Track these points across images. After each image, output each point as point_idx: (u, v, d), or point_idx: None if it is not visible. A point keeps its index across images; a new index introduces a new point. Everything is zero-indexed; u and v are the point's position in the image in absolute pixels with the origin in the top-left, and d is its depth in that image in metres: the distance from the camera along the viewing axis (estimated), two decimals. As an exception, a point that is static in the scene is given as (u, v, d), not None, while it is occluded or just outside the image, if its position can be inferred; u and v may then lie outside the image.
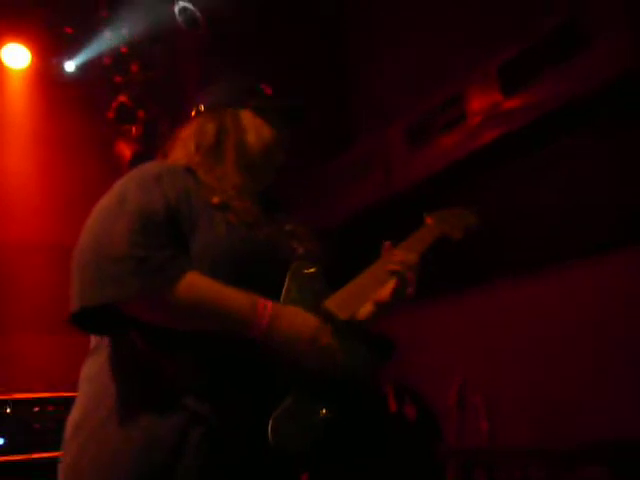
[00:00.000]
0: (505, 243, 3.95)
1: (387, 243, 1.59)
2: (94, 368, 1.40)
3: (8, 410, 3.26)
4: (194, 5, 4.37)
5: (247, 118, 1.64)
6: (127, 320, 1.31)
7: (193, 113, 1.67)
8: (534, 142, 3.67)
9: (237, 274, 1.34)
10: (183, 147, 1.60)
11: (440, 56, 4.49)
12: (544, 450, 3.03)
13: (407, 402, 4.44)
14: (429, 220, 1.74)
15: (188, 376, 1.30)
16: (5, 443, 3.20)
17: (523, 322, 3.97)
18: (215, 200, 1.44)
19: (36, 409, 3.34)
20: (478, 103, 3.90)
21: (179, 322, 1.32)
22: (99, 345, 1.42)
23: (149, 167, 1.50)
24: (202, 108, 1.66)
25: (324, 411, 1.32)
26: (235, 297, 1.31)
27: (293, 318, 1.35)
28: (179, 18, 4.36)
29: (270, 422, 1.24)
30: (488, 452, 3.43)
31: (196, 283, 1.30)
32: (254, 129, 1.63)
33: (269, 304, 1.33)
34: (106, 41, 4.45)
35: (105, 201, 1.40)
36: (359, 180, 4.89)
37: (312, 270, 1.49)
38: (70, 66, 4.62)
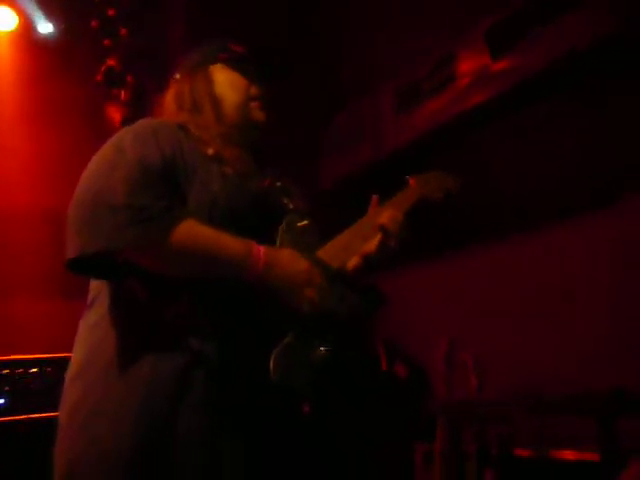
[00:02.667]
0: (494, 203, 4.00)
1: (375, 197, 1.66)
2: (94, 318, 1.44)
3: (6, 371, 3.31)
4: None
5: (217, 72, 1.69)
6: (125, 267, 1.36)
7: (171, 80, 1.72)
8: (523, 103, 3.70)
9: (233, 224, 1.39)
10: (166, 111, 1.66)
11: (428, 20, 4.48)
12: (529, 400, 3.12)
13: (398, 361, 4.53)
14: (412, 182, 1.81)
15: (188, 318, 1.34)
16: (4, 403, 3.25)
17: (509, 280, 4.05)
18: (210, 152, 1.49)
19: (34, 370, 3.39)
20: (467, 65, 3.91)
21: (177, 268, 1.37)
22: (97, 296, 1.46)
23: (145, 122, 1.55)
24: (178, 76, 1.70)
25: (321, 348, 1.39)
26: (230, 242, 1.36)
27: (287, 261, 1.40)
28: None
29: (271, 359, 1.30)
30: (476, 404, 3.52)
31: (192, 230, 1.35)
32: (225, 81, 1.68)
33: (263, 248, 1.38)
34: (94, 3, 4.41)
35: (102, 152, 1.44)
36: (349, 145, 4.90)
37: (304, 223, 1.55)
38: (47, 27, 4.56)
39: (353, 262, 1.57)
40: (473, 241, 4.32)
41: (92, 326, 1.43)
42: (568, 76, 3.44)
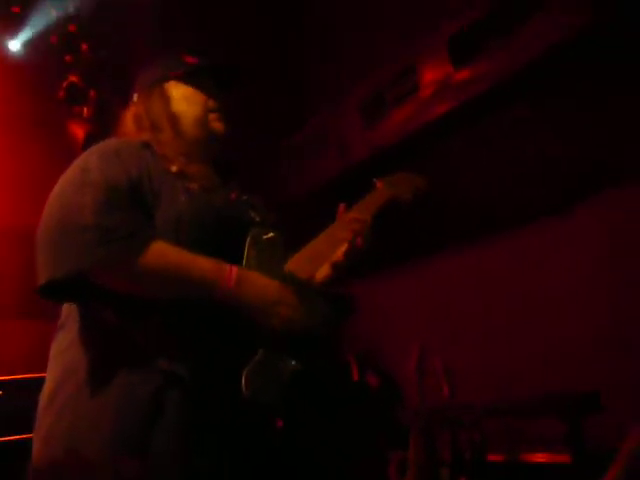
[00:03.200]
0: (458, 211, 4.04)
1: (341, 205, 1.67)
2: (65, 342, 1.43)
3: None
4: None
5: (173, 88, 1.69)
6: (95, 290, 1.34)
7: (129, 103, 1.71)
8: (486, 111, 3.75)
9: (199, 239, 1.39)
10: (126, 133, 1.66)
11: (394, 28, 4.53)
12: (498, 404, 3.15)
13: (369, 371, 4.53)
14: (379, 184, 1.82)
15: (159, 340, 1.33)
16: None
17: (479, 285, 4.09)
18: (174, 169, 1.49)
19: (13, 391, 3.33)
20: (430, 75, 3.95)
21: (146, 290, 1.36)
22: (68, 318, 1.45)
23: (108, 142, 1.54)
24: (135, 97, 1.69)
25: (292, 363, 1.39)
26: (200, 263, 1.36)
27: (257, 282, 1.40)
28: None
29: (243, 376, 1.30)
30: (448, 410, 3.54)
31: (161, 251, 1.34)
32: (181, 97, 1.68)
33: (234, 268, 1.38)
34: (53, 19, 4.37)
35: (68, 174, 1.43)
36: (314, 156, 4.91)
37: (271, 235, 1.55)
38: (15, 45, 4.52)
39: (323, 272, 1.57)
40: (441, 248, 4.36)
41: (63, 350, 1.42)
42: (530, 83, 3.49)
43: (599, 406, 2.65)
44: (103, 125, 4.53)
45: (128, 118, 1.67)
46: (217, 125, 1.68)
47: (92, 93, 4.56)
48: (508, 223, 3.94)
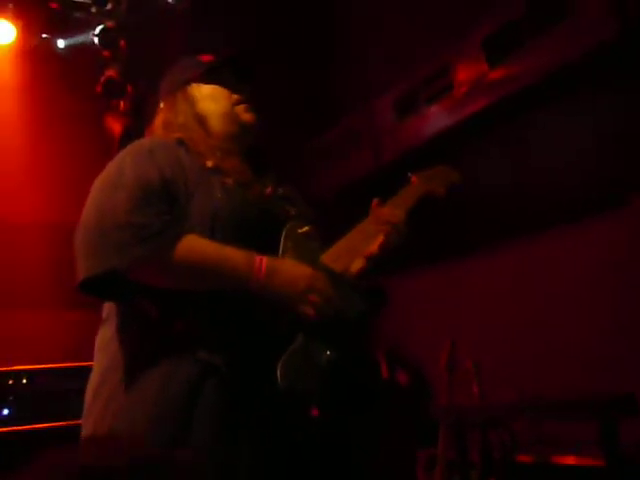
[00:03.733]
0: (493, 210, 4.02)
1: (375, 200, 1.68)
2: (106, 337, 1.47)
3: (11, 381, 3.33)
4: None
5: (196, 89, 1.72)
6: (134, 286, 1.38)
7: (156, 110, 1.74)
8: (520, 111, 3.73)
9: (235, 234, 1.42)
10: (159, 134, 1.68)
11: (426, 27, 4.52)
12: (531, 404, 3.13)
13: (399, 369, 4.54)
14: (414, 179, 1.82)
15: (197, 331, 1.37)
16: (10, 413, 3.27)
17: (511, 285, 4.07)
18: (209, 164, 1.52)
19: (39, 380, 3.41)
20: (464, 73, 3.94)
21: (181, 283, 1.39)
22: (110, 314, 1.49)
23: (143, 142, 1.59)
24: (162, 105, 1.72)
25: (328, 353, 1.41)
26: (232, 254, 1.39)
27: (288, 269, 1.44)
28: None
29: (278, 366, 1.33)
30: (478, 409, 3.53)
31: (194, 244, 1.38)
32: (205, 96, 1.71)
33: (264, 258, 1.41)
34: (92, 16, 4.44)
35: (103, 176, 1.47)
36: (348, 153, 4.92)
37: (306, 229, 1.57)
38: (61, 43, 4.61)
39: (357, 264, 1.58)
40: (474, 247, 4.34)
41: (106, 344, 1.47)
42: (565, 83, 3.47)
43: (635, 408, 2.62)
44: (140, 119, 4.60)
45: (157, 125, 1.71)
46: (246, 116, 1.70)
47: (129, 88, 4.63)
48: (543, 223, 3.91)
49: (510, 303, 4.04)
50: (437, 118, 4.11)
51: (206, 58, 1.77)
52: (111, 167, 1.49)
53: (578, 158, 3.62)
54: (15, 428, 3.22)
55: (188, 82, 1.72)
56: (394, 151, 4.48)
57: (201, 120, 1.66)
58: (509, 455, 3.28)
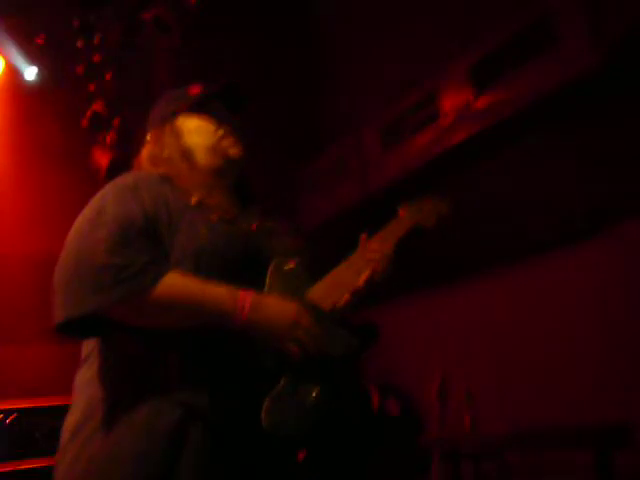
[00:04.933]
0: (480, 239, 4.03)
1: (363, 235, 1.66)
2: (87, 376, 1.43)
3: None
4: (165, 12, 4.39)
5: (182, 123, 1.66)
6: (113, 324, 1.35)
7: (143, 143, 1.72)
8: (505, 140, 3.75)
9: (220, 272, 1.39)
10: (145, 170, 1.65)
11: (411, 57, 4.56)
12: (525, 434, 3.10)
13: (390, 398, 4.50)
14: (402, 212, 1.80)
15: (180, 373, 1.34)
16: (-1, 451, 3.21)
17: (501, 313, 4.06)
18: (194, 200, 1.49)
19: (27, 418, 3.36)
20: (450, 102, 3.98)
21: (163, 322, 1.36)
22: (90, 354, 1.46)
23: (126, 178, 1.54)
24: (148, 137, 1.70)
25: (314, 393, 1.38)
26: (215, 290, 1.36)
27: (273, 304, 1.40)
28: (152, 24, 4.37)
29: (263, 406, 1.29)
30: (471, 439, 3.50)
31: (175, 282, 1.35)
32: (191, 130, 1.66)
33: (249, 294, 1.38)
34: (78, 49, 4.46)
35: (84, 214, 1.44)
36: (335, 182, 4.94)
37: (292, 266, 1.55)
38: (41, 75, 4.62)
39: (343, 299, 1.56)
40: (462, 276, 4.34)
41: (87, 383, 1.43)
42: (550, 112, 3.50)
43: (629, 439, 2.59)
44: (126, 152, 4.60)
45: (144, 158, 1.67)
46: (233, 150, 1.66)
47: (115, 121, 4.64)
48: (530, 251, 3.92)
49: (502, 331, 4.03)
50: (423, 147, 4.13)
51: (195, 90, 1.75)
52: (93, 204, 1.45)
53: (563, 185, 3.64)
54: (4, 466, 3.16)
55: (175, 114, 1.68)
56: (380, 180, 4.50)
57: (186, 154, 1.61)
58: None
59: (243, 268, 1.45)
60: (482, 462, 3.41)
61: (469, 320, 4.24)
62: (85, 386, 1.43)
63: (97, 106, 4.52)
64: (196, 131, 1.66)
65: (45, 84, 4.64)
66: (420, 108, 4.21)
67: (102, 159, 4.55)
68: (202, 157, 1.63)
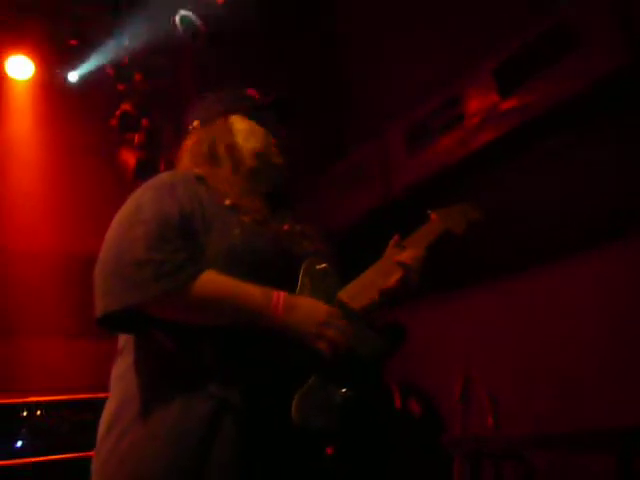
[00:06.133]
0: (506, 241, 4.02)
1: (396, 236, 1.68)
2: (122, 368, 1.48)
3: (24, 413, 3.34)
4: (194, 14, 4.44)
5: (236, 123, 1.72)
6: (150, 319, 1.39)
7: (190, 128, 1.76)
8: (532, 141, 3.74)
9: (252, 271, 1.42)
10: (185, 159, 1.70)
11: (436, 59, 4.57)
12: (548, 437, 3.09)
13: (412, 399, 4.51)
14: (433, 216, 1.82)
15: (212, 367, 1.37)
16: (23, 445, 3.27)
17: (525, 316, 4.05)
18: (227, 202, 1.53)
19: (51, 412, 3.42)
20: (476, 104, 3.97)
21: (199, 318, 1.40)
22: (126, 346, 1.50)
23: (163, 177, 1.59)
24: (196, 124, 1.74)
25: (344, 390, 1.41)
26: (250, 290, 1.39)
27: (306, 305, 1.43)
28: (180, 27, 4.43)
29: (294, 402, 1.32)
30: (493, 440, 3.50)
31: (212, 280, 1.38)
32: (244, 132, 1.71)
33: (282, 294, 1.41)
34: (109, 51, 4.53)
35: (123, 212, 1.48)
36: (359, 185, 4.95)
37: (324, 266, 1.58)
38: (73, 76, 4.70)
39: (372, 299, 1.57)
40: (486, 278, 4.34)
41: (122, 375, 1.47)
42: (577, 113, 3.48)
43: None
44: (154, 152, 4.66)
45: (188, 146, 1.72)
46: (277, 160, 1.72)
47: (144, 121, 4.70)
48: (554, 253, 3.90)
49: (525, 333, 4.02)
50: (448, 149, 4.13)
51: (253, 94, 1.80)
52: (131, 202, 1.50)
53: (589, 187, 3.62)
54: (28, 460, 3.21)
55: (231, 112, 1.73)
56: (405, 183, 4.50)
57: (234, 152, 1.67)
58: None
59: (274, 268, 1.48)
60: (503, 463, 3.40)
61: (492, 322, 4.24)
62: (120, 378, 1.47)
63: (126, 106, 4.59)
64: (248, 133, 1.71)
65: (76, 85, 4.72)
66: (445, 110, 4.21)
67: (130, 159, 4.62)
68: (248, 159, 1.67)
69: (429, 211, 1.82)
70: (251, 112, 1.73)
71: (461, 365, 4.02)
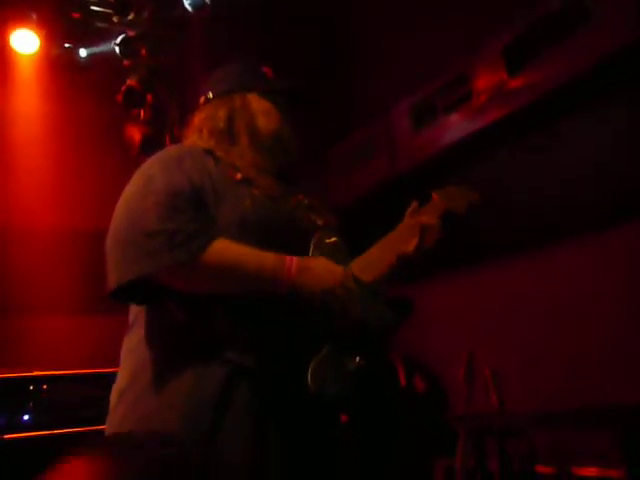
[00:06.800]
0: (509, 220, 4.01)
1: (414, 203, 1.69)
2: (134, 340, 1.48)
3: (31, 387, 3.36)
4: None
5: (255, 102, 1.72)
6: (163, 290, 1.39)
7: (203, 100, 1.75)
8: (540, 120, 3.72)
9: (263, 243, 1.42)
10: (197, 133, 1.70)
11: (444, 37, 4.52)
12: (551, 414, 3.11)
13: (416, 376, 4.53)
14: (435, 196, 1.83)
15: (228, 334, 1.38)
16: (29, 419, 3.30)
17: (528, 294, 4.05)
18: (238, 176, 1.53)
19: (59, 386, 3.44)
20: (483, 82, 3.94)
21: (212, 287, 1.40)
22: (137, 318, 1.51)
23: (171, 150, 1.60)
24: (211, 95, 1.74)
25: (357, 359, 1.42)
26: (262, 256, 1.40)
27: (320, 266, 1.44)
28: (186, 1, 4.38)
29: (310, 370, 1.34)
30: (497, 417, 3.52)
31: (224, 248, 1.39)
32: (262, 112, 1.71)
33: (295, 258, 1.42)
34: (114, 26, 4.49)
35: (133, 183, 1.49)
36: (364, 162, 4.94)
37: (334, 240, 1.58)
38: (83, 52, 4.67)
39: (389, 265, 1.56)
40: (491, 256, 4.33)
41: (134, 347, 1.48)
42: (586, 92, 3.45)
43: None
44: (159, 128, 4.64)
45: (201, 117, 1.71)
46: (290, 144, 1.72)
47: (149, 97, 4.67)
48: (558, 233, 3.90)
49: (529, 312, 4.02)
50: (455, 127, 4.11)
51: (268, 71, 1.80)
52: (140, 174, 1.50)
53: (597, 169, 3.60)
54: (34, 433, 3.24)
55: (250, 90, 1.73)
56: (410, 159, 4.49)
57: (252, 133, 1.67)
58: (528, 465, 3.26)
59: (285, 240, 1.48)
60: (507, 440, 3.42)
61: (497, 299, 4.25)
62: (132, 350, 1.48)
63: (131, 81, 4.56)
64: (267, 114, 1.71)
65: (81, 60, 4.68)
66: (452, 88, 4.19)
67: (135, 134, 4.60)
68: (265, 139, 1.67)
69: (431, 191, 1.84)
70: (268, 93, 1.73)
71: (466, 343, 4.03)
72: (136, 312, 1.52)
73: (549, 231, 4.00)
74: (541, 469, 3.25)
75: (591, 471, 2.99)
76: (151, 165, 1.51)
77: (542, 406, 3.37)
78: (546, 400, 3.42)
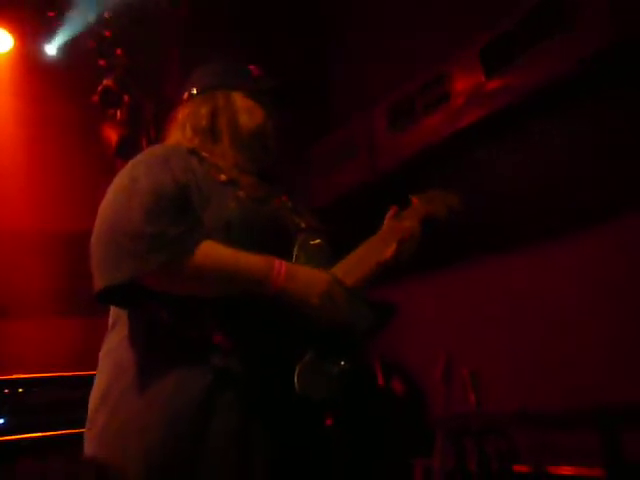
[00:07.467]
0: (489, 221, 4.03)
1: (394, 207, 1.70)
2: (114, 340, 1.47)
3: (6, 390, 3.31)
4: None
5: (239, 100, 1.71)
6: (148, 292, 1.38)
7: (186, 96, 1.74)
8: (517, 121, 3.74)
9: (248, 245, 1.41)
10: (180, 130, 1.69)
11: (422, 38, 4.54)
12: (530, 414, 3.13)
13: (394, 377, 4.54)
14: (415, 200, 1.84)
15: (212, 337, 1.36)
16: (4, 423, 3.25)
17: (506, 294, 4.08)
18: (222, 177, 1.52)
19: (34, 389, 3.39)
20: (461, 83, 3.96)
21: (199, 289, 1.39)
22: (117, 320, 1.49)
23: (156, 149, 1.59)
24: (195, 91, 1.72)
25: (342, 363, 1.43)
26: (251, 258, 1.39)
27: (307, 274, 1.44)
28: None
29: (296, 372, 1.33)
30: (475, 418, 3.53)
31: (212, 250, 1.38)
32: (246, 110, 1.70)
33: (284, 263, 1.42)
34: (88, 24, 4.45)
35: (117, 183, 1.47)
36: (344, 162, 4.94)
37: (318, 242, 1.59)
38: (51, 49, 4.61)
39: (370, 269, 1.58)
40: (469, 256, 4.36)
41: (113, 348, 1.46)
42: (561, 94, 3.48)
43: (638, 418, 2.62)
44: (136, 128, 4.60)
45: (184, 114, 1.70)
46: (272, 143, 1.72)
47: (126, 97, 4.63)
48: (537, 234, 3.93)
49: (507, 312, 4.05)
50: (433, 128, 4.12)
51: (256, 72, 1.79)
52: (124, 175, 1.47)
53: (575, 169, 3.64)
54: (10, 438, 3.19)
55: (234, 88, 1.72)
56: (390, 160, 4.50)
57: (234, 132, 1.66)
58: (507, 464, 3.28)
59: (270, 242, 1.47)
60: (486, 440, 3.44)
61: (476, 300, 4.27)
62: (112, 351, 1.46)
63: (108, 81, 4.52)
64: (250, 112, 1.71)
65: (56, 58, 4.63)
66: (431, 89, 4.20)
67: (112, 135, 4.55)
68: (246, 138, 1.67)
69: (411, 195, 1.85)
70: (253, 92, 1.72)
71: (443, 343, 4.05)
72: (117, 314, 1.50)
73: (525, 232, 4.03)
74: (519, 468, 3.27)
75: (568, 470, 3.02)
76: (136, 165, 1.49)
77: (521, 406, 3.38)
78: (527, 401, 3.43)
